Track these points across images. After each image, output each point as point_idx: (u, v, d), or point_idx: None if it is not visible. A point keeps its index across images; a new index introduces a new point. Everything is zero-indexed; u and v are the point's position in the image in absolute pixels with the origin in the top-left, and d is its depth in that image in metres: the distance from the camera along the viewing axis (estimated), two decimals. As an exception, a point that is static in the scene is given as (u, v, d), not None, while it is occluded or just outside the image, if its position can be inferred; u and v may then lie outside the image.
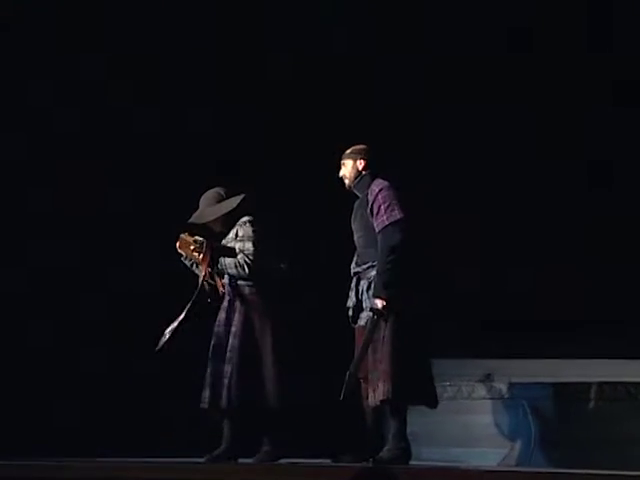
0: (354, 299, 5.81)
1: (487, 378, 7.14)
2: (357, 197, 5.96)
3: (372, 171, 5.90)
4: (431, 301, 5.62)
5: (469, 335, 7.31)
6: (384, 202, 5.67)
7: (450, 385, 6.88)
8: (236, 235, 6.03)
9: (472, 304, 7.49)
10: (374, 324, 5.53)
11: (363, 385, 5.69)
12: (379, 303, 5.55)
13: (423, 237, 5.73)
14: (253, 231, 5.98)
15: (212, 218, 6.09)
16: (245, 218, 6.04)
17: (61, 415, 6.98)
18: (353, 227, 5.88)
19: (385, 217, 5.63)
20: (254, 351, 5.93)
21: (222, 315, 6.08)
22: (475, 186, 7.73)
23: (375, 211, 5.69)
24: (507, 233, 7.67)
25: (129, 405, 7.14)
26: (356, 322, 5.82)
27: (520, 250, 7.63)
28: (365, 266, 5.77)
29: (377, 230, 5.66)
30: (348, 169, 5.95)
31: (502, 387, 6.98)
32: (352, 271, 5.85)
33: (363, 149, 5.96)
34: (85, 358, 7.16)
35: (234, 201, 6.04)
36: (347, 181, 5.96)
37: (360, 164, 5.90)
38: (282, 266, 6.05)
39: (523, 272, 7.54)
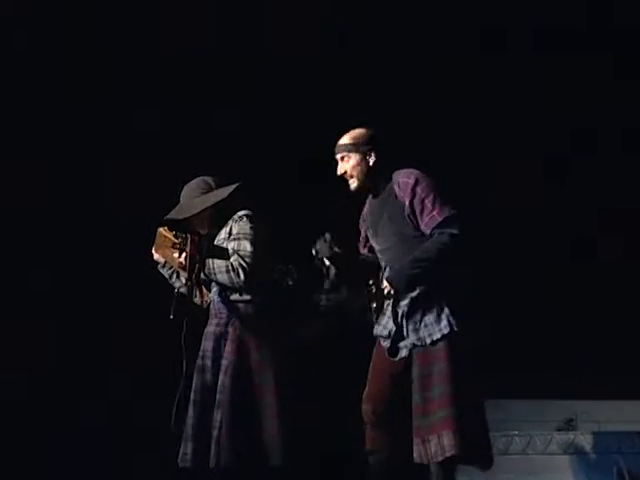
0: (391, 326, 4.95)
1: (568, 425, 6.65)
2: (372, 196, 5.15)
3: (386, 162, 4.98)
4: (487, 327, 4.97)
5: (545, 369, 6.72)
6: (427, 195, 4.81)
7: (519, 435, 6.38)
8: (229, 233, 5.33)
9: (548, 331, 6.90)
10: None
11: (388, 435, 4.92)
12: (388, 287, 4.81)
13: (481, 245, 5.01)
14: (251, 228, 5.28)
15: (197, 211, 5.33)
16: (242, 212, 5.35)
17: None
18: (375, 235, 5.04)
19: (436, 212, 4.79)
20: (251, 391, 5.22)
21: (209, 343, 5.32)
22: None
23: (418, 209, 4.82)
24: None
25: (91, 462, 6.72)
26: (395, 355, 4.97)
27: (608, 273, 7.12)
28: None
29: (428, 230, 4.80)
30: (354, 165, 4.97)
31: (588, 437, 6.35)
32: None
33: (369, 137, 4.98)
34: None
35: (225, 190, 5.33)
36: (355, 182, 4.99)
37: (371, 159, 4.94)
38: (289, 280, 5.42)
39: (610, 291, 7.02)
